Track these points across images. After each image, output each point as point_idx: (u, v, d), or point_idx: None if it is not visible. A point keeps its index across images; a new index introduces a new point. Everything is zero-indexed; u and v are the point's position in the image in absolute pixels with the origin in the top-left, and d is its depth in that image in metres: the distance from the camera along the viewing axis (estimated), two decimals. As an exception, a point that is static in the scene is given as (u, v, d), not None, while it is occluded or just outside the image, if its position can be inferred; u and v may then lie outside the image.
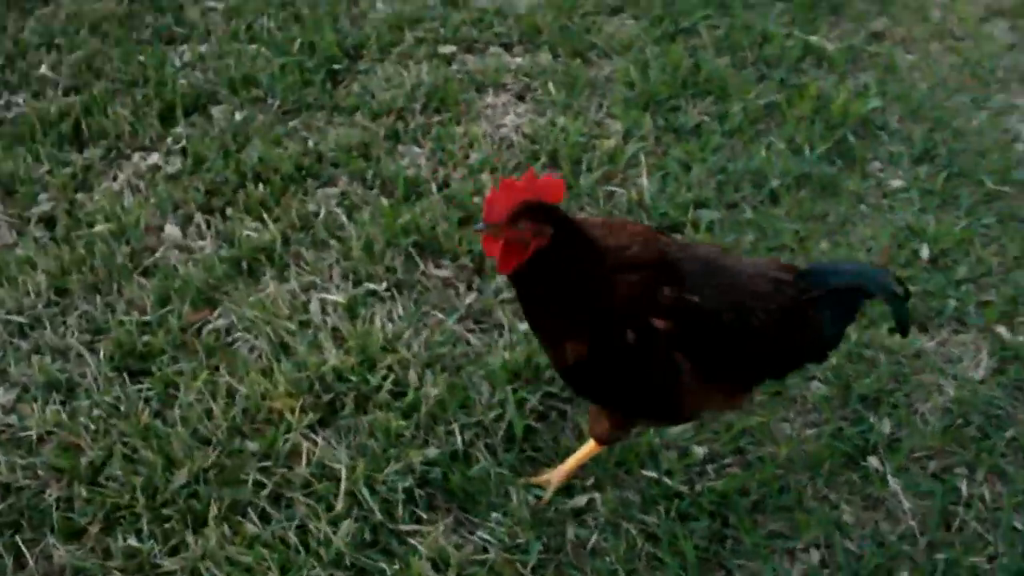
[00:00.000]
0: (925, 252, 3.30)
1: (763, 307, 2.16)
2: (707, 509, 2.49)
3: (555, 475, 2.55)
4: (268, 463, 2.51)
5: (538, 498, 2.52)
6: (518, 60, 4.05)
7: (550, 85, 3.87)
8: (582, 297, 2.06)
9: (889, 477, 2.61)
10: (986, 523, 2.54)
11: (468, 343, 2.90)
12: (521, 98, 3.88)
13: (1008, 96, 4.11)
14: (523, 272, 2.03)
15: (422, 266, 3.12)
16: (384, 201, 3.31)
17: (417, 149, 3.59)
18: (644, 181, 3.44)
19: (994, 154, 3.74)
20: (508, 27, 4.23)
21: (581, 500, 2.51)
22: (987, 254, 3.31)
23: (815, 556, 2.46)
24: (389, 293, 3.01)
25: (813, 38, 4.26)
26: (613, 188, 3.45)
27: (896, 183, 3.61)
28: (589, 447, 2.50)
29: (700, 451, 2.64)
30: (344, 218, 3.26)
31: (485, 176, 3.41)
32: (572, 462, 2.54)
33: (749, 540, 2.44)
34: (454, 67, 4.01)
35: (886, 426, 2.73)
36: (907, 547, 2.46)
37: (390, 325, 2.89)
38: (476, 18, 4.27)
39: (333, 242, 3.17)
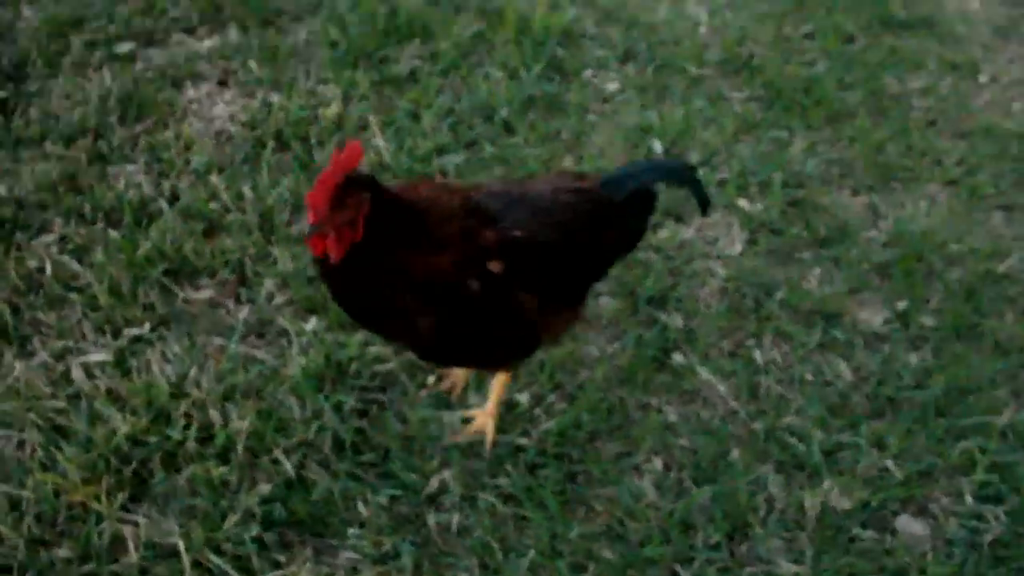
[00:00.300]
0: (658, 146, 3.50)
1: (577, 220, 2.23)
2: (551, 453, 2.53)
3: (484, 419, 2.59)
4: (89, 566, 2.21)
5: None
6: (207, 43, 3.73)
7: (251, 63, 3.62)
8: (415, 261, 2.00)
9: (696, 367, 2.78)
10: (784, 383, 2.79)
11: (259, 361, 2.70)
12: (224, 84, 3.59)
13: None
14: (356, 251, 1.95)
15: (181, 293, 2.85)
16: (114, 233, 2.96)
17: (131, 166, 3.22)
18: (379, 141, 3.34)
19: (685, 42, 3.99)
20: (184, 9, 3.87)
21: (433, 484, 2.45)
22: (709, 135, 3.56)
23: (658, 463, 2.58)
24: (156, 333, 2.73)
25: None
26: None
27: (611, 86, 3.76)
28: (500, 381, 2.56)
29: (524, 398, 2.67)
30: (75, 265, 2.88)
31: (215, 178, 3.14)
32: (494, 398, 2.58)
33: (597, 469, 2.52)
34: (139, 66, 3.63)
35: (678, 321, 2.91)
36: (731, 427, 2.66)
37: (170, 368, 2.62)
38: (146, 6, 3.86)
39: (72, 295, 2.80)
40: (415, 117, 3.43)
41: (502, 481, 2.48)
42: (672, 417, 2.70)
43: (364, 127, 3.36)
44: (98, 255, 2.88)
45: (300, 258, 2.89)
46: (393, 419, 2.59)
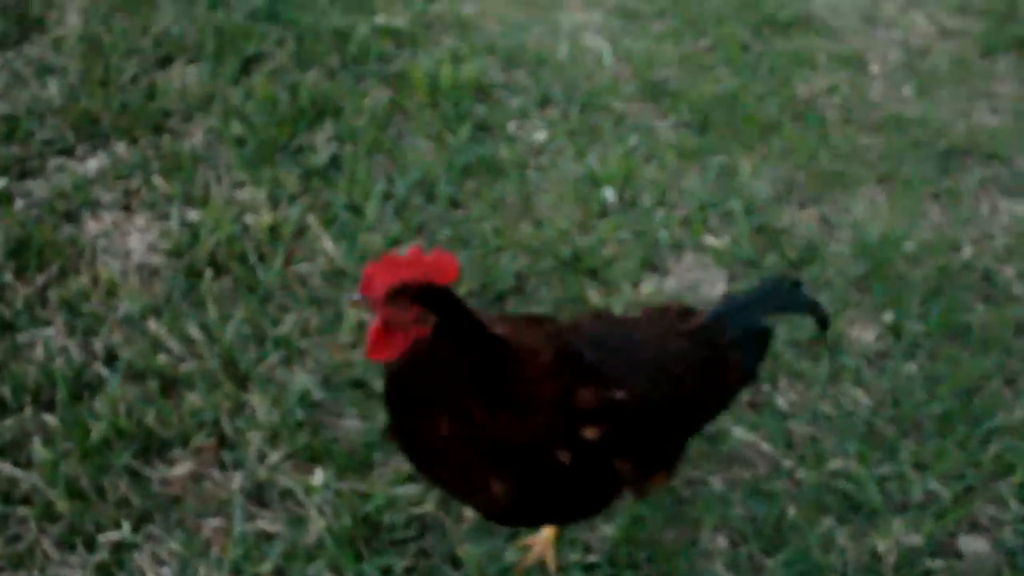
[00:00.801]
0: (610, 194, 3.34)
1: (689, 374, 1.96)
2: (623, 563, 2.33)
3: (542, 542, 2.30)
4: None
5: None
6: (93, 164, 3.21)
7: (153, 179, 3.15)
8: (495, 419, 1.66)
9: (729, 428, 2.64)
10: (812, 424, 2.70)
11: (272, 536, 2.31)
12: (129, 208, 3.09)
13: (571, 15, 4.25)
14: (401, 370, 1.62)
15: (155, 474, 2.39)
16: (50, 418, 2.45)
17: (46, 329, 2.68)
18: (327, 244, 2.98)
19: (597, 76, 3.85)
20: (54, 128, 3.30)
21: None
22: (653, 172, 3.44)
23: (723, 542, 2.42)
24: (140, 533, 2.26)
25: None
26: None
27: (540, 136, 3.58)
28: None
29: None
30: (10, 468, 2.34)
31: (153, 324, 2.68)
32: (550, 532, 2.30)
33: (669, 567, 2.33)
34: (19, 204, 3.05)
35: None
36: (779, 484, 2.54)
37: (168, 571, 2.20)
38: (6, 131, 3.26)
39: (19, 510, 2.27)
40: (355, 210, 3.11)
41: (583, 606, 2.26)
42: (720, 486, 2.56)
43: (303, 231, 3.01)
44: (38, 450, 2.37)
45: (284, 400, 2.53)
46: (446, 567, 2.31)
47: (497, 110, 3.60)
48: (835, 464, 2.62)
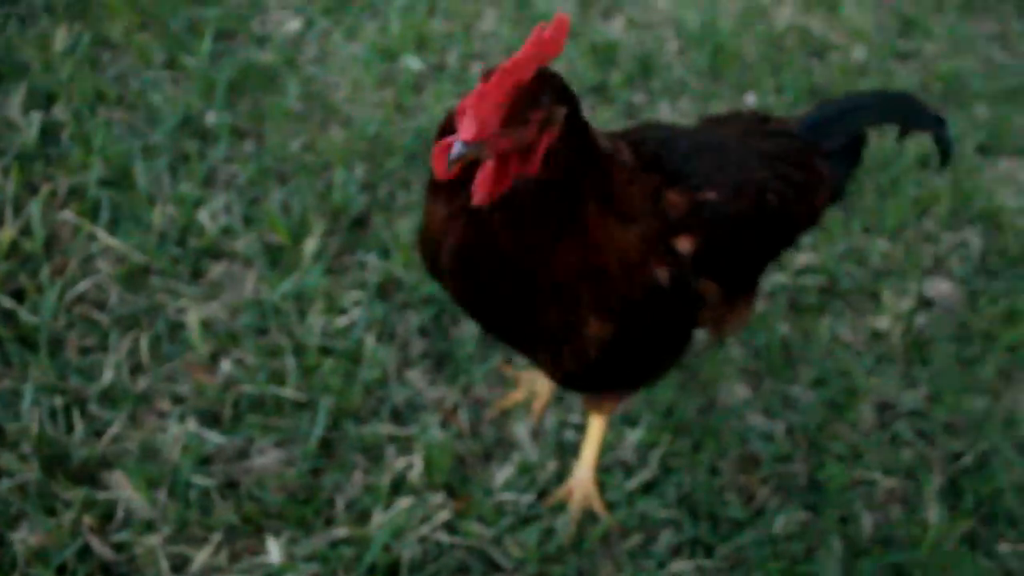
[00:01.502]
0: (414, 63, 2.71)
1: (776, 177, 1.55)
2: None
3: (577, 484, 1.89)
4: None
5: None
6: None
7: None
8: (606, 232, 1.30)
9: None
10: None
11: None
12: None
13: None
14: (518, 199, 1.23)
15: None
16: None
17: None
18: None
19: None
20: None
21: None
22: (445, 25, 2.84)
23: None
24: None
25: None
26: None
27: (294, 26, 2.82)
28: (599, 427, 1.86)
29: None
30: None
31: None
32: (590, 455, 1.88)
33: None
34: None
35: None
36: None
37: None
38: None
39: None
40: (116, 185, 2.22)
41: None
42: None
43: (58, 236, 2.11)
44: None
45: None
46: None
47: (230, 11, 2.79)
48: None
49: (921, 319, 2.49)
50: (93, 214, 2.14)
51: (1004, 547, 2.08)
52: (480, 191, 1.21)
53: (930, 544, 1.99)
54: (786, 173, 1.58)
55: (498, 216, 1.24)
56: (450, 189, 1.27)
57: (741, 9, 3.40)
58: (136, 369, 1.87)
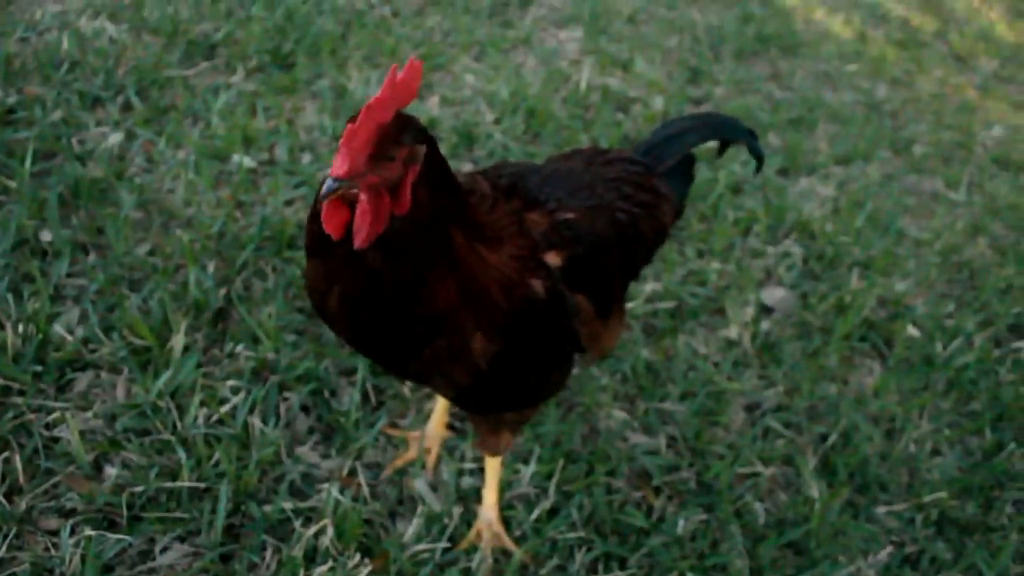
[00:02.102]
0: (247, 160, 2.73)
1: (627, 198, 1.70)
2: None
3: (484, 526, 1.94)
4: None
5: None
6: None
7: None
8: (477, 257, 1.39)
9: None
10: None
11: None
12: None
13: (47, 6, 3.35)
14: (390, 235, 1.30)
15: None
16: None
17: None
18: None
19: (131, 55, 3.10)
20: None
21: None
22: (262, 122, 2.88)
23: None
24: None
25: None
26: None
27: (115, 139, 2.79)
28: (495, 468, 1.92)
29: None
30: None
31: None
32: (492, 496, 1.94)
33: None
34: None
35: None
36: None
37: None
38: None
39: None
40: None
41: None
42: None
43: None
44: None
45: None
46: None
47: (45, 131, 2.72)
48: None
49: (765, 324, 2.69)
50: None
51: (880, 510, 2.25)
52: (359, 234, 1.27)
53: (817, 518, 2.13)
54: (631, 193, 1.73)
55: (375, 257, 1.30)
56: (326, 245, 1.32)
57: (544, 77, 3.64)
58: (13, 491, 1.75)
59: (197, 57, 3.25)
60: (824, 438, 2.39)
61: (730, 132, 1.98)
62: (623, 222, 1.68)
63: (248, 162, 2.76)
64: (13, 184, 2.49)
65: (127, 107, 2.94)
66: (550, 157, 1.94)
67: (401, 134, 1.26)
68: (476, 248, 1.37)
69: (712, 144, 1.98)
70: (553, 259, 1.51)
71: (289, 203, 2.68)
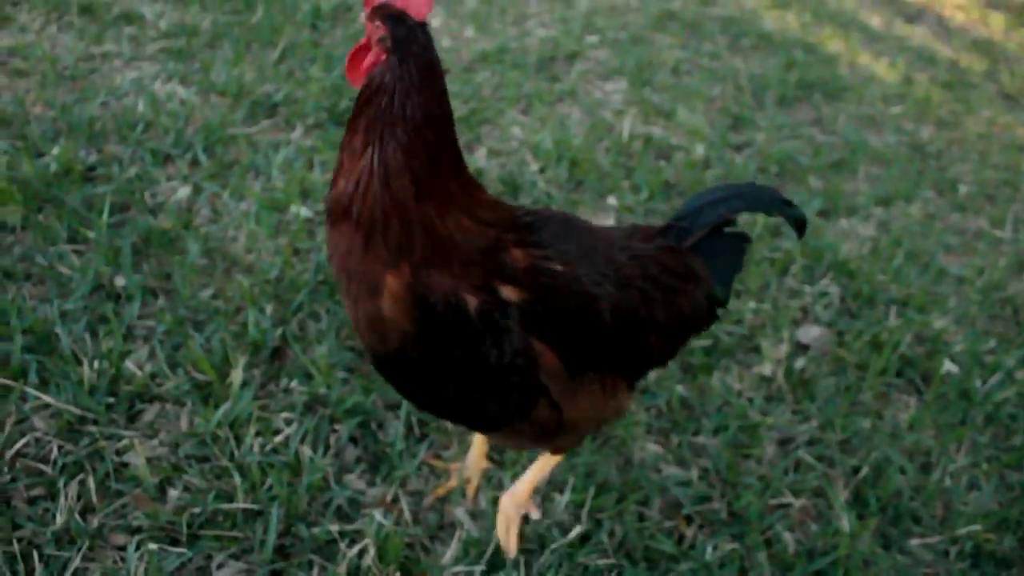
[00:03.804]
0: (305, 211, 2.92)
1: (650, 278, 1.70)
2: None
3: (512, 498, 2.03)
4: None
5: None
6: None
7: None
8: (410, 175, 1.48)
9: None
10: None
11: None
12: None
13: (124, 74, 3.64)
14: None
15: None
16: None
17: None
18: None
19: (200, 114, 3.35)
20: None
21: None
22: (319, 175, 3.06)
23: None
24: None
25: None
26: None
27: (183, 192, 3.01)
28: (547, 461, 1.99)
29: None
30: None
31: None
32: (531, 476, 2.02)
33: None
34: None
35: None
36: None
37: None
38: None
39: None
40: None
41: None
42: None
43: None
44: None
45: None
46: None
47: (121, 186, 2.96)
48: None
49: (800, 361, 2.76)
50: (22, 377, 2.22)
51: (913, 542, 2.29)
52: (346, 63, 1.55)
53: (847, 548, 2.18)
54: (655, 274, 1.72)
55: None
56: None
57: (588, 127, 3.79)
58: (87, 510, 1.92)
59: (260, 116, 3.49)
60: (856, 470, 2.44)
61: (763, 204, 1.89)
62: (629, 300, 1.69)
63: (305, 212, 2.96)
64: (92, 235, 2.72)
65: (195, 163, 3.17)
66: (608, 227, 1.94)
67: (379, 14, 1.49)
68: (442, 219, 1.49)
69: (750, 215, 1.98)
70: (509, 293, 1.53)
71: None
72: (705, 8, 5.49)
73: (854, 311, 3.03)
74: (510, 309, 1.53)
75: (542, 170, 3.44)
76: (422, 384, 1.58)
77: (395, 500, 2.10)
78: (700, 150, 3.77)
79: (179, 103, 3.49)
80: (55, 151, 3.05)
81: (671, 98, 4.18)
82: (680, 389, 2.57)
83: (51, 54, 3.72)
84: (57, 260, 2.63)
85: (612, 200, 3.30)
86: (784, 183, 3.70)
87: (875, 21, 6.13)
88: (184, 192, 3.02)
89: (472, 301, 1.50)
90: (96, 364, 2.23)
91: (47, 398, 2.12)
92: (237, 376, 2.26)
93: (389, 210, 1.46)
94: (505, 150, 3.55)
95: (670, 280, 1.74)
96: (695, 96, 4.26)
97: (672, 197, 3.41)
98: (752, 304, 2.91)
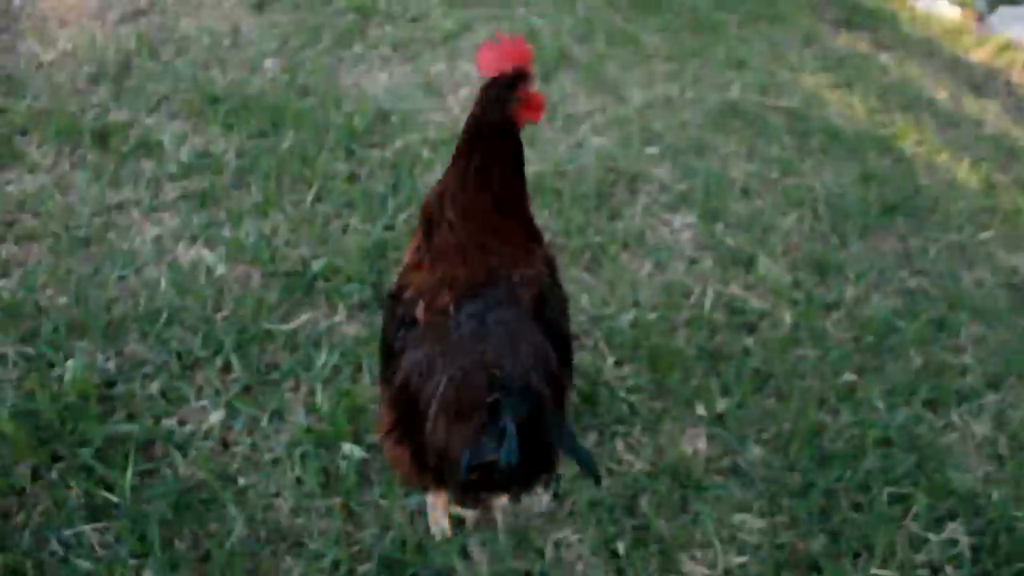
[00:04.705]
0: (356, 451, 2.51)
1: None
2: None
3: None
4: None
5: None
6: None
7: None
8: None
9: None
10: None
11: None
12: None
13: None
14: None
15: None
16: None
17: None
18: None
19: (226, 300, 2.95)
20: None
21: None
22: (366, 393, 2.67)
23: None
24: None
25: None
26: None
27: (215, 418, 2.61)
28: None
29: None
30: None
31: None
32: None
33: None
34: None
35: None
36: None
37: None
38: None
39: None
40: None
41: None
42: None
43: None
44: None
45: None
46: None
47: (144, 419, 2.56)
48: None
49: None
50: None
51: None
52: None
53: None
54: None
55: None
56: None
57: (661, 288, 3.35)
58: None
59: (296, 291, 3.07)
60: None
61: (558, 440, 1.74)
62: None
63: (358, 453, 2.56)
64: (115, 499, 2.33)
65: (226, 367, 2.77)
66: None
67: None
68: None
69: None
70: (420, 314, 1.99)
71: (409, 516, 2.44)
72: (765, 97, 5.03)
73: (992, 572, 2.58)
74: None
75: (618, 363, 3.02)
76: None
77: None
78: (787, 318, 3.34)
79: (205, 274, 3.08)
80: (69, 363, 2.66)
81: (748, 240, 3.74)
82: None
83: (63, 206, 3.31)
84: (76, 544, 2.24)
85: (701, 410, 2.88)
86: (883, 360, 3.26)
87: (942, 95, 5.67)
88: (217, 417, 2.63)
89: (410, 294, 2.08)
90: None
91: None
92: None
93: None
94: (576, 330, 3.11)
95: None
96: (772, 231, 3.81)
97: (764, 393, 2.98)
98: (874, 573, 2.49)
